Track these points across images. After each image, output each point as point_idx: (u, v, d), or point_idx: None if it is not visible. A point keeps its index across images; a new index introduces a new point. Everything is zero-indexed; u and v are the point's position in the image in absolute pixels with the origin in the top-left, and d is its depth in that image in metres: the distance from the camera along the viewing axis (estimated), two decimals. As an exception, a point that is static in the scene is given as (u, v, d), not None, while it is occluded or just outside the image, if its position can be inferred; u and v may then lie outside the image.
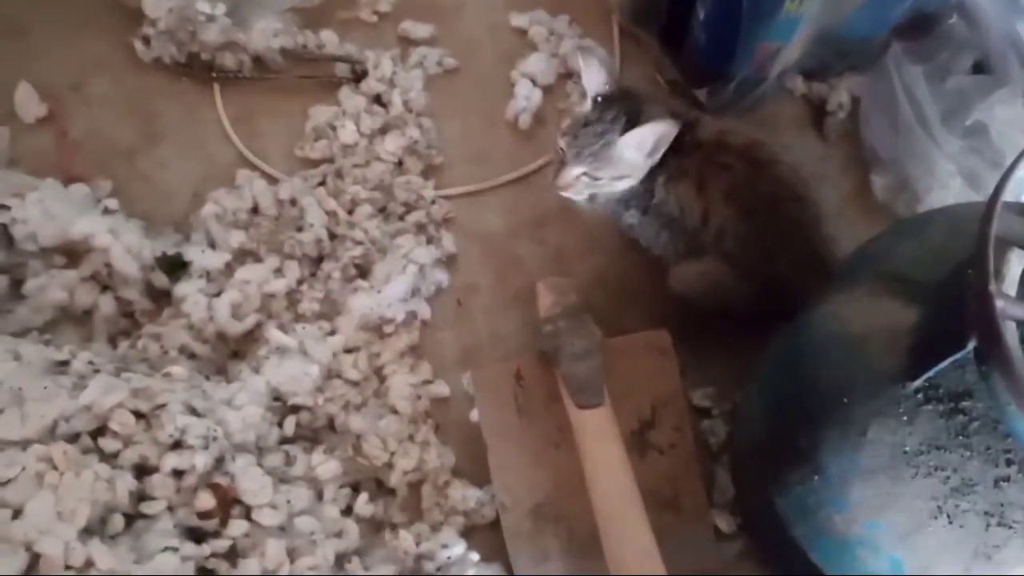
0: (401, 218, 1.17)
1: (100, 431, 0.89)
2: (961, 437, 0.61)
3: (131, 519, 0.87)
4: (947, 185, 1.09)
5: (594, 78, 0.96)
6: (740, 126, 1.02)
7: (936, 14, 1.13)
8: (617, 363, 0.99)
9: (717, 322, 1.04)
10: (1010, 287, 0.56)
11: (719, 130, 0.99)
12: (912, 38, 1.14)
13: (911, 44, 1.14)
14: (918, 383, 0.62)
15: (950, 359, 0.57)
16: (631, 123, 0.94)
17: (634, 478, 0.87)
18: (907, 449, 0.63)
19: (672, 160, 0.97)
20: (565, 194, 0.99)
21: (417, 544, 0.98)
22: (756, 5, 0.96)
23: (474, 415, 1.06)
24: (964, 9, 1.12)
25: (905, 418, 0.63)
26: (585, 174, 0.97)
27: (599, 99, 0.96)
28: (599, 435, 0.88)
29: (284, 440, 1.02)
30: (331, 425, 1.05)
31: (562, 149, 0.97)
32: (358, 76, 1.24)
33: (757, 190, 0.96)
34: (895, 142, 1.13)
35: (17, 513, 0.80)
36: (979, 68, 1.14)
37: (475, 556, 0.98)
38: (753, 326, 1.05)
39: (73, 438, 0.87)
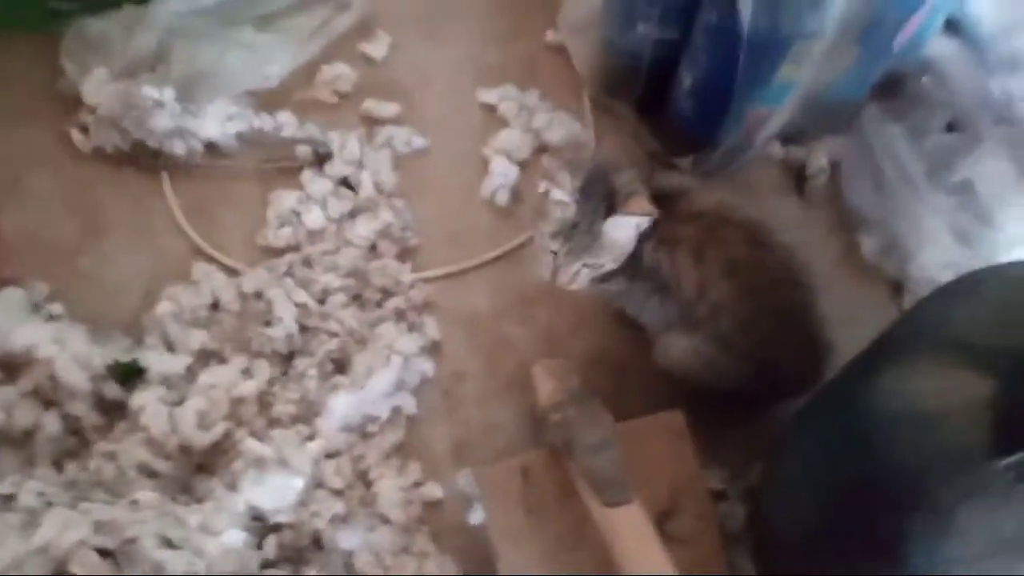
0: (379, 305, 1.08)
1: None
2: (1066, 517, 0.56)
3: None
4: (937, 242, 1.08)
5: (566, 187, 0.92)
6: (734, 199, 0.98)
7: (908, 75, 1.14)
8: (629, 449, 0.92)
9: (719, 398, 0.99)
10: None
11: (718, 202, 0.95)
12: (886, 99, 1.15)
13: (886, 104, 1.14)
14: (1010, 460, 0.57)
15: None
16: (610, 206, 0.90)
17: (678, 578, 0.80)
18: (1005, 533, 0.58)
19: (662, 225, 0.92)
20: (569, 288, 0.94)
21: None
22: (752, 70, 0.93)
23: (473, 517, 0.97)
24: (934, 69, 1.14)
25: (998, 499, 0.58)
26: (585, 266, 0.92)
27: (577, 196, 0.91)
28: (636, 535, 0.80)
29: (266, 564, 0.90)
30: (317, 542, 0.94)
31: (555, 251, 0.92)
32: (321, 158, 1.17)
33: (757, 271, 0.92)
34: (880, 202, 1.12)
35: None
36: (951, 127, 1.15)
37: None
38: (749, 402, 1.02)
39: (26, 587, 0.74)
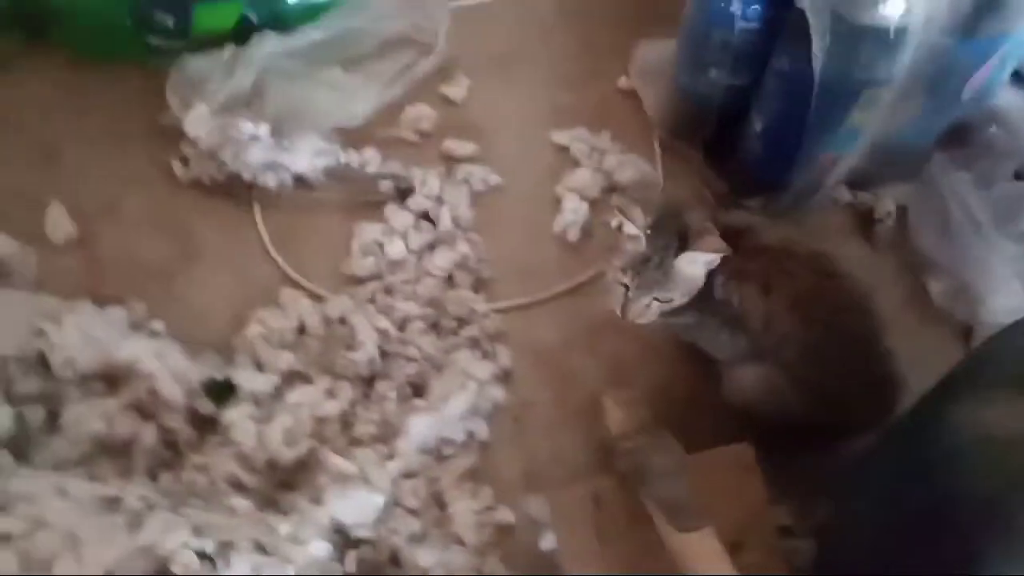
0: (454, 333, 1.13)
1: (159, 573, 0.81)
2: None
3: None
4: (1006, 288, 1.09)
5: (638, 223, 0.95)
6: (799, 235, 1.02)
7: (976, 124, 1.16)
8: (697, 481, 0.94)
9: (787, 433, 1.00)
10: None
11: (783, 237, 0.99)
12: (954, 147, 1.17)
13: (954, 153, 1.16)
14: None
15: None
16: (682, 243, 0.94)
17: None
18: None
19: (731, 260, 0.95)
20: (638, 321, 0.97)
21: None
22: (823, 116, 0.97)
23: (544, 543, 1.00)
24: (1001, 119, 1.16)
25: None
26: (655, 299, 0.96)
27: (649, 231, 0.95)
28: (710, 559, 0.82)
29: (346, 577, 0.94)
30: (395, 559, 0.97)
31: (626, 284, 0.96)
32: (403, 194, 1.23)
33: (823, 301, 0.95)
34: (949, 248, 1.13)
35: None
36: (1018, 175, 1.17)
37: None
38: (824, 436, 1.03)
39: (131, 584, 0.79)
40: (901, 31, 0.89)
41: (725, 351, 1.01)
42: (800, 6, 0.91)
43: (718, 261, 0.93)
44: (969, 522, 0.65)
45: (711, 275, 0.96)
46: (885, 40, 0.90)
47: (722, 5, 1.02)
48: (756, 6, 1.00)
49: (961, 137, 1.18)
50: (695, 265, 0.93)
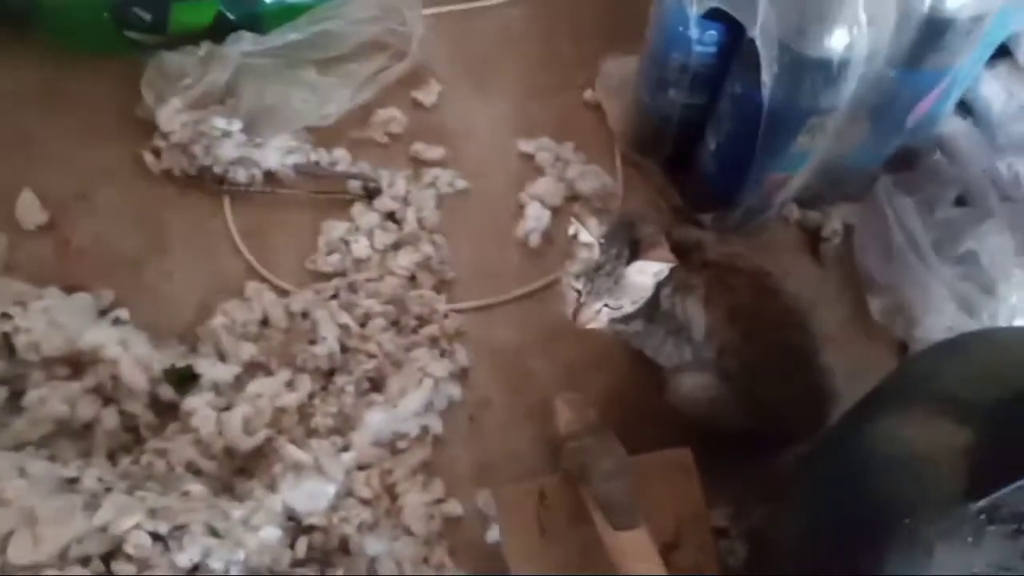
0: (414, 331, 1.17)
1: (112, 554, 0.84)
2: (1026, 559, 0.62)
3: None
4: (941, 309, 1.14)
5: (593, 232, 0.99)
6: (745, 251, 1.06)
7: (921, 150, 1.21)
8: (638, 482, 0.98)
9: (726, 440, 1.05)
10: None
11: (727, 253, 1.03)
12: (899, 171, 1.22)
13: (899, 177, 1.22)
14: (982, 504, 0.63)
15: (1018, 484, 0.59)
16: (633, 253, 0.98)
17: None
18: (975, 571, 0.64)
19: (678, 272, 1.00)
20: (588, 327, 1.01)
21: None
22: (771, 138, 1.02)
23: (490, 536, 1.04)
24: (945, 146, 1.21)
25: (970, 539, 0.64)
26: (605, 306, 1.00)
27: (602, 240, 0.99)
28: (641, 558, 0.87)
29: (296, 563, 0.97)
30: (344, 547, 1.01)
31: (578, 290, 1.00)
32: (370, 193, 1.26)
33: (762, 315, 1.00)
34: (890, 268, 1.18)
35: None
36: (960, 200, 1.22)
37: None
38: (762, 444, 1.08)
39: (85, 561, 0.82)
40: (845, 63, 0.94)
41: (670, 359, 1.06)
42: (751, 35, 0.96)
43: (666, 272, 0.98)
44: (881, 532, 0.69)
45: (659, 286, 1.00)
46: (829, 71, 0.95)
47: (680, 29, 1.06)
48: (712, 31, 1.05)
49: (907, 161, 1.23)
50: (644, 275, 0.98)
